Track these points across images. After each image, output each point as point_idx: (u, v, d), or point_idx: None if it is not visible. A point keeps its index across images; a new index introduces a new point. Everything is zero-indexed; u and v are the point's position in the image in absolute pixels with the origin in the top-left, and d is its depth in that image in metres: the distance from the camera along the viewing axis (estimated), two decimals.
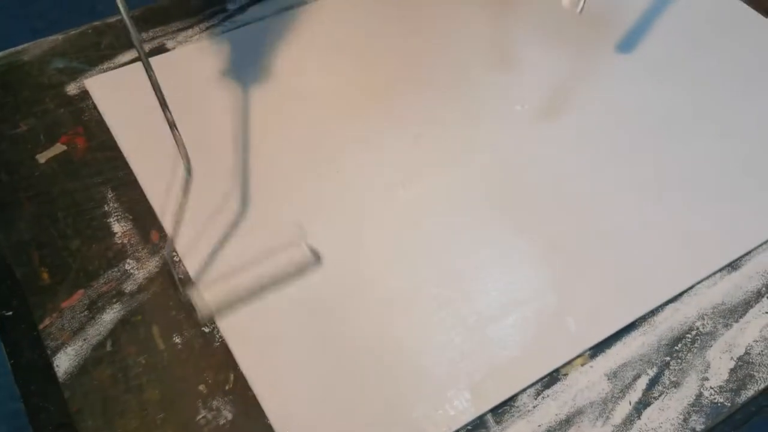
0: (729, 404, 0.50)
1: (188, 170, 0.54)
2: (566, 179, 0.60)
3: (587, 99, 0.67)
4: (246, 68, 0.67)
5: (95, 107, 0.64)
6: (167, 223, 0.56)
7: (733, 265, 0.56)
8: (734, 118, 0.66)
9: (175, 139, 0.53)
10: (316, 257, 0.54)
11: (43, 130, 0.62)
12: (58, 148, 0.61)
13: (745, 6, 0.76)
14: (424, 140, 0.63)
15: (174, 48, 0.69)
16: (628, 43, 0.72)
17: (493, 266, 0.55)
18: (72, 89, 0.65)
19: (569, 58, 0.70)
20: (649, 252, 0.56)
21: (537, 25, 0.73)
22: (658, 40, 0.72)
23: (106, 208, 0.57)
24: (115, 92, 0.65)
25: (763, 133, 0.65)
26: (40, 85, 0.66)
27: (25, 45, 0.69)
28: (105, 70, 0.67)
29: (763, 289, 0.55)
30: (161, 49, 0.69)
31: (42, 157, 0.60)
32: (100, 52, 0.69)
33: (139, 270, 0.54)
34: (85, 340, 0.50)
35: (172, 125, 0.53)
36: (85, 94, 0.65)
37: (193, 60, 0.68)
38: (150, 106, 0.63)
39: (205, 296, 0.51)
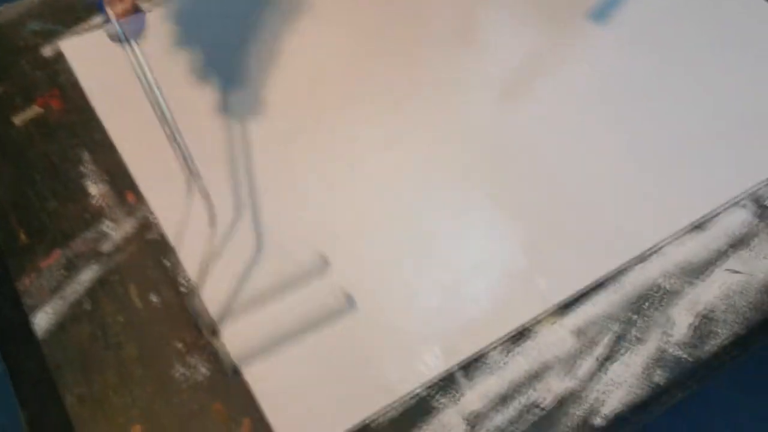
0: (691, 359, 0.51)
1: (213, 220, 0.50)
2: (536, 145, 0.61)
3: (559, 68, 0.67)
4: (224, 28, 0.67)
5: (71, 70, 0.64)
6: (143, 185, 0.56)
7: (699, 226, 0.58)
8: (704, 83, 0.67)
9: (190, 174, 0.48)
10: (350, 302, 0.51)
11: (19, 93, 0.62)
12: (34, 110, 0.61)
13: None
14: (399, 109, 0.63)
15: (150, 10, 0.69)
16: (601, 13, 0.72)
17: (466, 229, 0.56)
18: (47, 51, 0.65)
19: (543, 28, 0.71)
20: (617, 213, 0.57)
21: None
22: (632, 10, 0.73)
23: (83, 170, 0.58)
24: (91, 55, 0.65)
25: (731, 98, 0.66)
26: (15, 47, 0.65)
27: (0, 7, 0.68)
28: (80, 32, 0.67)
29: (728, 248, 0.57)
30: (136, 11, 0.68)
31: (18, 120, 0.60)
32: (75, 15, 0.68)
33: (116, 231, 0.55)
34: (63, 298, 0.51)
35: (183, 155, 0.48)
36: (60, 57, 0.65)
37: (167, 21, 0.68)
38: (125, 68, 0.63)
39: (230, 347, 0.49)
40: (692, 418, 1.15)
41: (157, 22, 0.68)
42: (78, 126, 0.60)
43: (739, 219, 0.58)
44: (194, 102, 0.62)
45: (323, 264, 0.53)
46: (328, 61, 0.66)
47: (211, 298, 0.51)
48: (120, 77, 0.61)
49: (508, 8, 0.72)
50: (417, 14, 0.71)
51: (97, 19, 0.68)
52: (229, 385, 0.48)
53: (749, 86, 0.67)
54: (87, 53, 0.65)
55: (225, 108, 0.61)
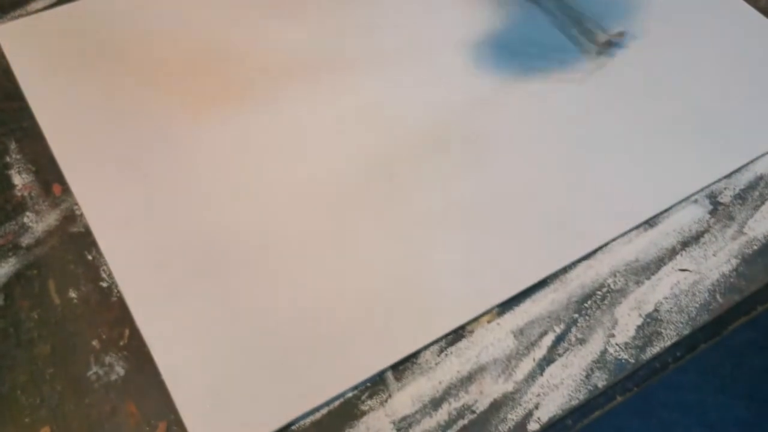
0: (633, 361, 0.49)
1: None
2: (479, 137, 0.59)
3: (506, 59, 0.65)
4: (169, 15, 0.65)
5: (3, 55, 0.61)
6: (70, 176, 0.54)
7: (650, 223, 0.56)
8: (659, 79, 0.65)
9: None
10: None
11: None
12: None
13: None
14: (318, 97, 0.61)
15: None
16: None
17: (403, 225, 0.54)
18: None
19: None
20: (563, 209, 0.55)
21: None
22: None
23: (8, 160, 0.56)
24: (25, 41, 0.62)
25: (684, 93, 0.63)
26: None
27: None
28: (16, 17, 0.64)
29: (678, 246, 0.54)
30: None
31: None
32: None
33: (38, 223, 0.52)
34: None
35: None
36: None
37: (111, 6, 0.65)
38: (60, 55, 0.61)
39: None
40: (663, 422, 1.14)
41: None
42: (6, 114, 0.58)
43: (690, 215, 0.56)
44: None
45: None
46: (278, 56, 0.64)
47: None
48: (54, 64, 0.60)
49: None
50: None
51: (35, 5, 0.65)
52: (145, 386, 0.46)
53: (707, 82, 0.64)
54: (21, 39, 0.62)
55: None
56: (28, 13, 0.65)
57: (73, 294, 0.49)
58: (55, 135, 0.57)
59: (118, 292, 0.49)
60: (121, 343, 0.48)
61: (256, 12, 0.66)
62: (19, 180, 0.54)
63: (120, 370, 0.46)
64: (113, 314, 0.49)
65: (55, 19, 0.64)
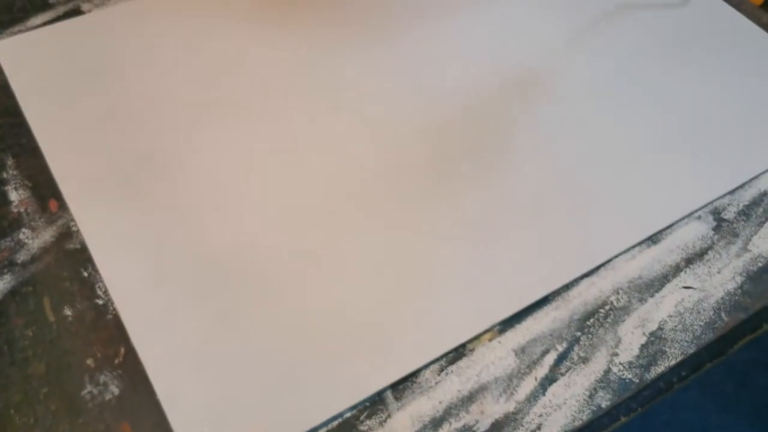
0: (637, 380, 0.48)
1: None
2: (481, 151, 0.58)
3: (509, 69, 0.65)
4: (168, 32, 0.65)
5: (1, 71, 0.61)
6: (67, 192, 0.54)
7: (653, 239, 0.55)
8: (662, 93, 0.64)
9: None
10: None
11: None
12: None
13: None
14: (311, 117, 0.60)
15: (90, 11, 0.66)
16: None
17: (402, 242, 0.53)
18: None
19: (485, 18, 0.68)
20: (567, 225, 0.55)
21: None
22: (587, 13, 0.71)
23: (5, 176, 0.55)
24: (24, 56, 0.62)
25: (687, 109, 0.63)
26: None
27: None
28: (15, 33, 0.64)
29: (682, 263, 0.54)
30: (76, 12, 0.66)
31: None
32: (12, 15, 0.66)
33: (34, 239, 0.52)
34: None
35: None
36: None
37: (109, 23, 0.65)
38: (58, 71, 0.61)
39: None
40: None
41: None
42: (4, 129, 0.57)
43: (694, 232, 0.55)
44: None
45: None
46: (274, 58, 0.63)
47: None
48: (52, 80, 0.59)
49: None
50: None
51: (35, 20, 0.65)
52: (140, 406, 0.45)
53: (710, 98, 0.64)
54: (20, 55, 0.62)
55: None
56: (28, 29, 0.65)
57: (68, 311, 0.49)
58: (53, 151, 0.56)
59: (114, 309, 0.49)
60: (116, 362, 0.47)
61: (255, 29, 0.66)
62: (16, 196, 0.54)
63: (115, 389, 0.46)
64: (108, 332, 0.48)
65: (54, 35, 0.64)
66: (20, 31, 0.64)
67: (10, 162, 0.56)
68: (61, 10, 0.66)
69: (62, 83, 0.61)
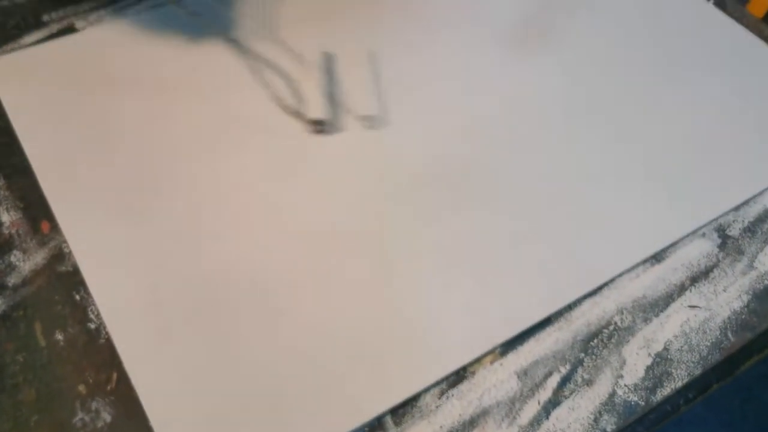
0: (643, 403, 0.47)
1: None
2: (480, 170, 0.57)
3: (508, 88, 0.64)
4: (163, 52, 0.64)
5: None
6: (59, 213, 0.53)
7: (657, 257, 0.54)
8: (665, 109, 0.63)
9: None
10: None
11: None
12: None
13: None
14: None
15: (84, 29, 0.66)
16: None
17: (401, 262, 0.52)
18: None
19: (463, 43, 0.67)
20: (568, 244, 0.53)
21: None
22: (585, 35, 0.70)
23: None
24: (17, 75, 0.61)
25: (690, 124, 0.62)
26: None
27: None
28: (8, 51, 0.63)
29: (687, 281, 0.53)
30: (69, 30, 0.65)
31: None
32: (5, 33, 0.65)
33: (25, 262, 0.51)
34: None
35: None
36: None
37: (104, 41, 0.64)
38: (51, 90, 0.60)
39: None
40: None
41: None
42: None
43: (699, 249, 0.54)
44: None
45: None
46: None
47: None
48: (45, 99, 0.59)
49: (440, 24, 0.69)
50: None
51: (28, 38, 0.64)
52: None
53: (713, 113, 0.63)
54: (13, 73, 0.61)
55: None
56: (21, 47, 0.64)
57: (59, 336, 0.48)
58: (45, 171, 0.55)
59: (107, 333, 0.48)
60: (109, 388, 0.46)
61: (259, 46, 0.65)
62: (7, 217, 0.53)
63: (107, 416, 0.44)
64: (101, 357, 0.47)
65: (47, 54, 0.63)
66: (13, 50, 0.64)
67: (1, 183, 0.55)
68: (54, 27, 0.66)
69: (55, 102, 0.60)
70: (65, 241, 0.52)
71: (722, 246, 0.55)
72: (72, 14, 0.67)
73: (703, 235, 0.55)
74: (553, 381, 0.48)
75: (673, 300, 0.52)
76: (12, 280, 0.50)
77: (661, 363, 0.49)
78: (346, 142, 0.58)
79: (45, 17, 0.66)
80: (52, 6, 0.67)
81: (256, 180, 0.56)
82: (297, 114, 0.57)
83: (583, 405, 0.47)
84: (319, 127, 0.57)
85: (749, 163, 0.59)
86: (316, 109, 0.59)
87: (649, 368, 0.48)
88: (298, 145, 0.58)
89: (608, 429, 0.46)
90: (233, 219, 0.53)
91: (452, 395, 0.47)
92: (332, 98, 0.58)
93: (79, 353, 0.47)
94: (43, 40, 0.64)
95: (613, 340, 0.50)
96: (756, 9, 0.70)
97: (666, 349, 0.49)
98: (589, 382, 0.48)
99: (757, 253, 0.55)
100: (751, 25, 0.70)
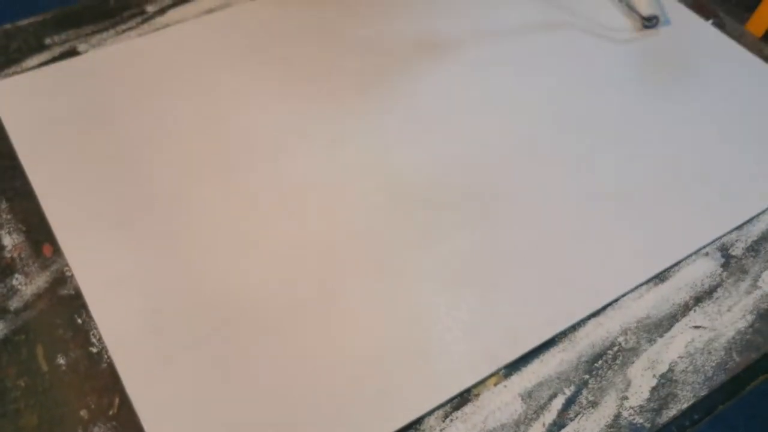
0: (648, 425, 0.47)
1: None
2: (481, 194, 0.57)
3: (505, 116, 0.64)
4: (165, 74, 0.64)
5: None
6: (61, 236, 0.53)
7: (660, 277, 0.54)
8: (663, 127, 0.63)
9: None
10: None
11: None
12: None
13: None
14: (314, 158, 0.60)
15: (86, 52, 0.66)
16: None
17: (405, 284, 0.52)
18: None
19: (475, 67, 0.68)
20: (571, 264, 0.53)
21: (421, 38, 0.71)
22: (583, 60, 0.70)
23: None
24: (19, 98, 0.62)
25: (692, 144, 0.62)
26: None
27: None
28: (11, 75, 0.64)
29: (691, 301, 0.52)
30: (72, 53, 0.66)
31: None
32: (7, 56, 0.65)
33: (27, 285, 0.51)
34: None
35: None
36: None
37: (106, 64, 0.65)
38: (53, 114, 0.60)
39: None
40: None
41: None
42: None
43: (702, 269, 0.54)
44: None
45: None
46: (267, 96, 0.63)
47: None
48: (47, 123, 0.59)
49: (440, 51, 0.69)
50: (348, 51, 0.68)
51: (30, 62, 0.65)
52: None
53: (714, 133, 0.63)
54: (15, 97, 0.61)
55: None
56: (23, 70, 0.64)
57: (61, 360, 0.47)
58: (47, 194, 0.55)
59: (108, 357, 0.47)
60: (111, 413, 0.45)
61: (253, 70, 0.65)
62: (9, 241, 0.53)
63: None
64: (103, 381, 0.47)
65: (49, 77, 0.63)
66: (15, 73, 0.64)
67: (3, 206, 0.55)
68: (57, 50, 0.66)
69: (57, 125, 0.60)
70: (67, 265, 0.52)
71: (725, 265, 0.55)
72: (74, 37, 0.67)
73: (707, 254, 0.55)
74: (558, 403, 0.47)
75: (678, 320, 0.52)
76: (14, 303, 0.50)
77: (666, 384, 0.48)
78: (346, 170, 0.58)
79: (47, 40, 0.67)
80: (54, 29, 0.68)
81: (258, 205, 0.55)
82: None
83: (588, 427, 0.46)
84: (654, 21, 0.69)
85: (751, 182, 0.59)
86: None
87: (654, 389, 0.48)
88: (299, 172, 0.58)
89: None
90: (235, 243, 0.53)
91: (456, 418, 0.46)
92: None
93: (81, 378, 0.47)
94: (46, 63, 0.65)
95: (617, 361, 0.49)
96: (755, 28, 0.71)
97: (671, 370, 0.49)
98: (593, 404, 0.47)
99: (761, 272, 0.54)
100: (750, 44, 0.71)
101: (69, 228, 0.53)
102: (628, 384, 0.48)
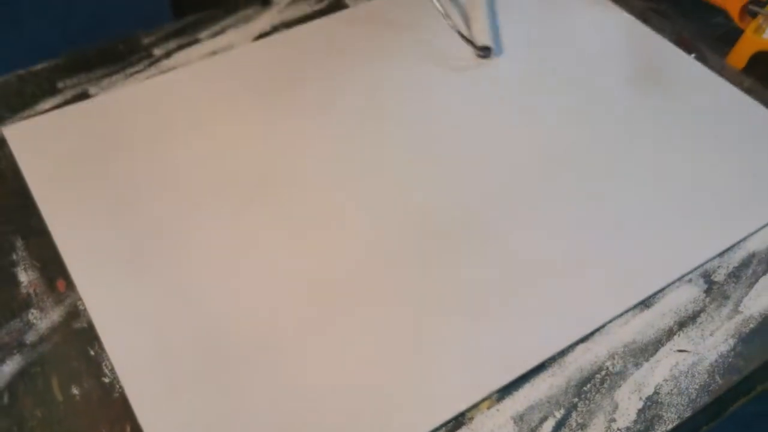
0: None
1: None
2: (472, 223, 0.60)
3: (500, 144, 0.67)
4: (172, 115, 0.67)
5: (12, 154, 0.64)
6: (75, 271, 0.55)
7: (645, 303, 0.56)
8: (646, 156, 0.66)
9: None
10: None
11: None
12: None
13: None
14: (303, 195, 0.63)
15: (97, 94, 0.69)
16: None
17: (399, 311, 0.54)
18: None
19: (464, 85, 0.71)
20: (560, 293, 0.56)
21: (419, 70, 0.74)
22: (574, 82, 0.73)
23: (14, 257, 0.57)
24: (33, 140, 0.65)
25: (671, 173, 0.65)
26: None
27: None
28: (26, 117, 0.67)
29: (675, 326, 0.55)
30: (83, 96, 0.69)
31: None
32: (22, 100, 0.69)
33: (42, 320, 0.53)
34: None
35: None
36: (2, 142, 0.65)
37: (116, 106, 0.68)
38: (67, 154, 0.63)
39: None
40: None
41: None
42: (13, 211, 0.60)
43: (686, 295, 0.57)
44: None
45: None
46: (274, 138, 0.66)
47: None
48: (61, 163, 0.62)
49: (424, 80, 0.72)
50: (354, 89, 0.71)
51: (44, 105, 0.68)
52: None
53: (696, 161, 0.66)
54: (30, 138, 0.65)
55: None
56: (37, 113, 0.67)
57: (75, 390, 0.50)
58: (61, 232, 0.58)
59: (120, 387, 0.50)
60: None
61: (260, 112, 0.69)
62: (25, 277, 0.56)
63: None
64: (115, 411, 0.49)
65: (62, 119, 0.66)
66: (29, 116, 0.67)
67: (19, 243, 0.58)
68: (69, 94, 0.69)
69: (70, 166, 0.63)
70: (80, 299, 0.54)
71: (708, 291, 0.57)
72: (85, 81, 0.70)
73: (690, 281, 0.57)
74: (549, 425, 0.50)
75: (662, 345, 0.54)
76: (30, 337, 0.52)
77: (651, 406, 0.51)
78: (347, 197, 0.61)
79: (59, 84, 0.70)
80: (66, 73, 0.71)
81: (265, 238, 0.58)
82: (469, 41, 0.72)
83: None
84: (487, 52, 0.73)
85: (732, 210, 0.62)
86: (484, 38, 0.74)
87: (640, 411, 0.50)
88: (302, 202, 0.61)
89: None
90: (244, 276, 0.56)
91: None
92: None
93: (94, 407, 0.49)
94: (59, 106, 0.68)
95: (605, 385, 0.52)
96: (735, 61, 0.74)
97: (656, 392, 0.51)
98: (583, 426, 0.50)
99: (742, 297, 0.57)
100: (731, 77, 0.74)
101: (82, 264, 0.56)
102: (616, 407, 0.51)
